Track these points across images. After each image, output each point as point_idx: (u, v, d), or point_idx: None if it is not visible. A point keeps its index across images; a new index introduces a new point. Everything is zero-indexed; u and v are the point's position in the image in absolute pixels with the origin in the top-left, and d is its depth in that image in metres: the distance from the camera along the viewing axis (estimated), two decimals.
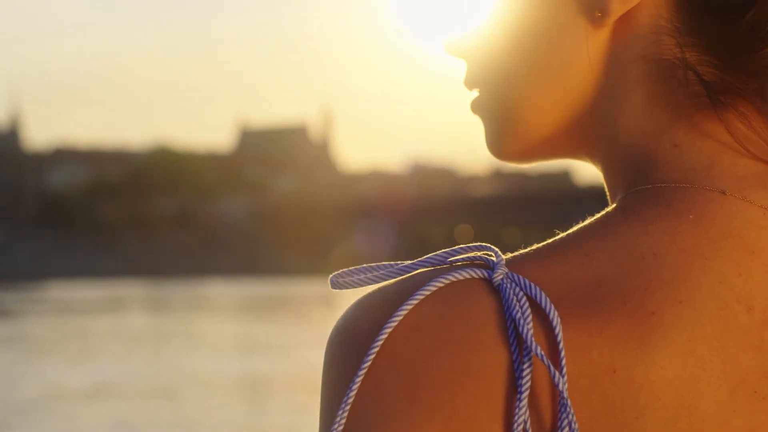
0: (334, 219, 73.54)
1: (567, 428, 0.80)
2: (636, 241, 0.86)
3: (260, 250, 70.11)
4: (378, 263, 0.90)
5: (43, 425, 15.12)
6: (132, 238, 73.10)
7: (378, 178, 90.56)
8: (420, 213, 71.88)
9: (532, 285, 0.83)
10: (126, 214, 78.37)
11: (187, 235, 74.41)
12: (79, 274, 58.29)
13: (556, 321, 0.81)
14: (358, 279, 0.89)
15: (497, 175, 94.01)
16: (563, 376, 0.80)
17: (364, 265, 0.90)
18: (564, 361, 0.80)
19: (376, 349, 0.82)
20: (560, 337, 0.81)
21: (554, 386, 0.81)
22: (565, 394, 0.80)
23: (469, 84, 1.01)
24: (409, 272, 0.87)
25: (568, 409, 0.80)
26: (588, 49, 0.92)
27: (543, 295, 0.82)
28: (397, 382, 0.82)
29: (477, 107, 1.01)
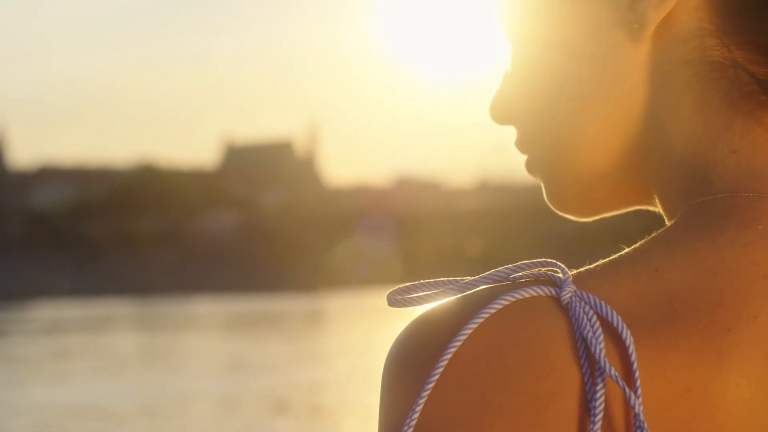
0: (321, 234, 73.36)
1: None
2: (706, 255, 0.83)
3: (247, 266, 69.87)
4: (437, 279, 0.86)
5: None
6: (118, 256, 72.85)
7: (364, 193, 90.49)
8: (407, 226, 71.71)
9: (602, 303, 0.80)
10: (111, 232, 78.11)
11: (173, 252, 74.15)
12: (64, 293, 58.00)
13: (629, 340, 0.78)
14: (418, 297, 0.86)
15: (483, 187, 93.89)
16: (638, 397, 0.77)
17: (423, 281, 0.86)
18: (638, 382, 0.77)
19: (441, 370, 0.79)
20: (634, 356, 0.78)
21: (629, 408, 0.78)
22: (641, 416, 0.77)
23: (524, 146, 0.99)
24: (472, 289, 0.84)
25: (644, 431, 0.77)
26: (632, 66, 0.89)
27: (614, 313, 0.79)
28: (463, 405, 0.78)
29: (532, 166, 0.99)
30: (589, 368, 0.78)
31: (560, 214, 1.00)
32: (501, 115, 0.99)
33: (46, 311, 45.92)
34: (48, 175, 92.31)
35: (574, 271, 0.84)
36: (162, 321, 39.41)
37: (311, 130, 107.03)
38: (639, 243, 0.86)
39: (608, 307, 0.79)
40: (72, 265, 68.96)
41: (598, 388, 0.77)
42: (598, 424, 0.77)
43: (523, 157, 1.00)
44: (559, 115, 0.93)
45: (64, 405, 18.04)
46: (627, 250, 0.86)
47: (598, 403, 0.77)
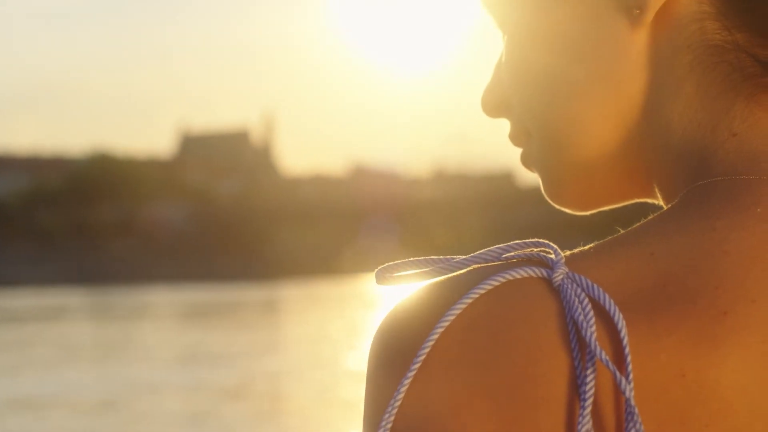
0: (277, 223, 73.23)
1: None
2: (703, 238, 0.81)
3: (203, 255, 69.67)
4: (428, 257, 0.84)
5: None
6: (72, 245, 72.41)
7: (321, 182, 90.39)
8: (362, 215, 71.69)
9: (595, 285, 0.78)
10: (66, 221, 77.61)
11: (128, 241, 73.79)
12: (18, 283, 57.63)
13: (621, 323, 0.77)
14: (407, 275, 0.84)
15: (439, 177, 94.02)
16: (629, 382, 0.75)
17: (412, 258, 0.85)
18: (630, 366, 0.76)
19: (427, 350, 0.77)
20: (626, 340, 0.76)
21: (619, 393, 0.77)
22: (632, 402, 0.75)
23: (517, 137, 0.97)
24: (462, 268, 0.82)
25: (635, 417, 0.75)
26: (631, 52, 0.88)
27: (606, 296, 0.78)
28: (449, 389, 0.77)
29: (528, 159, 0.98)
30: (580, 352, 0.77)
31: (558, 207, 0.99)
32: (494, 107, 0.98)
33: (0, 300, 45.59)
34: (1, 164, 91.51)
35: (568, 253, 0.83)
36: (118, 311, 39.25)
37: (267, 119, 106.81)
38: (634, 226, 0.85)
39: (600, 290, 0.78)
40: (27, 255, 68.51)
41: (589, 372, 0.76)
42: (588, 409, 0.75)
43: (518, 150, 0.98)
44: (556, 106, 0.91)
45: (18, 396, 17.93)
46: (622, 232, 0.84)
47: (588, 387, 0.76)
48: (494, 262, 0.82)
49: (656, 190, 0.92)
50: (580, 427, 0.75)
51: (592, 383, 0.75)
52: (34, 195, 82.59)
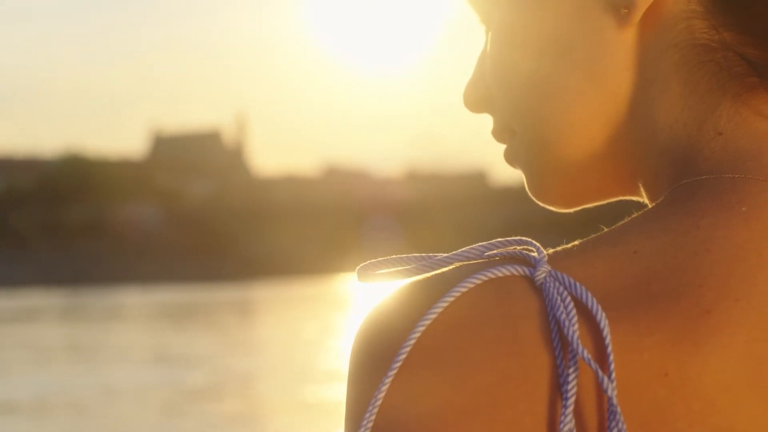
0: (249, 224, 73.11)
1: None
2: (687, 236, 0.81)
3: (175, 256, 69.50)
4: (410, 255, 0.83)
5: None
6: (44, 246, 72.11)
7: (293, 183, 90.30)
8: (335, 216, 71.67)
9: (577, 284, 0.78)
10: (37, 222, 77.29)
11: (100, 242, 73.56)
12: None
13: (604, 322, 0.76)
14: (390, 273, 0.84)
15: (412, 177, 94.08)
16: (612, 381, 0.75)
17: (395, 256, 0.84)
18: (612, 365, 0.75)
19: (407, 349, 0.77)
20: (608, 339, 0.76)
21: (602, 392, 0.76)
22: (615, 401, 0.75)
23: (499, 133, 0.96)
24: (444, 266, 0.82)
25: (617, 416, 0.75)
26: (618, 51, 0.87)
27: (589, 294, 0.77)
28: (431, 384, 0.76)
29: (511, 156, 0.97)
30: (562, 351, 0.76)
31: (542, 204, 0.98)
32: (476, 102, 0.96)
33: None
34: None
35: (551, 251, 0.82)
36: (89, 312, 39.08)
37: (239, 120, 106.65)
38: (618, 224, 0.84)
39: (583, 289, 0.77)
40: None
41: (571, 371, 0.75)
42: (570, 408, 0.75)
43: (502, 147, 0.97)
44: (542, 105, 0.90)
45: None
46: (606, 230, 0.84)
47: (570, 386, 0.75)
48: (476, 259, 0.81)
49: (641, 188, 0.91)
50: (562, 426, 0.74)
51: (574, 382, 0.75)
52: (6, 196, 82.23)
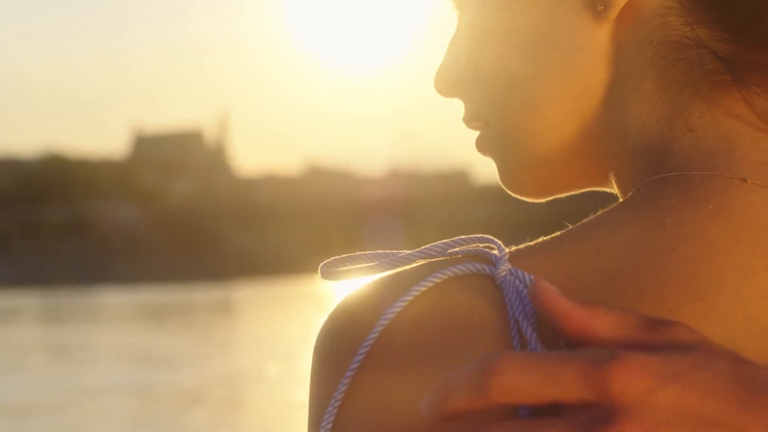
0: (231, 223, 72.86)
1: None
2: (652, 234, 0.80)
3: (157, 256, 69.20)
4: (374, 252, 0.84)
5: None
6: (24, 247, 71.73)
7: (275, 182, 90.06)
8: (318, 215, 71.49)
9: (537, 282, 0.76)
10: (18, 222, 76.89)
11: (80, 243, 73.17)
12: None
13: None
14: (353, 270, 0.84)
15: (393, 176, 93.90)
16: None
17: (359, 252, 0.84)
18: None
19: (367, 349, 0.77)
20: (565, 339, 0.74)
21: None
22: None
23: (471, 120, 0.95)
24: (407, 263, 0.82)
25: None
26: (594, 47, 0.86)
27: None
28: (392, 381, 0.77)
29: (483, 145, 0.96)
30: (522, 349, 0.75)
31: (513, 195, 0.97)
32: (448, 87, 0.95)
33: None
34: None
35: (513, 248, 0.82)
36: (70, 313, 38.81)
37: (221, 119, 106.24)
38: (583, 221, 0.83)
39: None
40: None
41: None
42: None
43: (475, 134, 0.96)
44: (516, 98, 0.89)
45: None
46: (570, 228, 0.83)
47: None
48: (439, 257, 0.81)
49: (613, 181, 0.91)
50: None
51: None
52: None
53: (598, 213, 0.84)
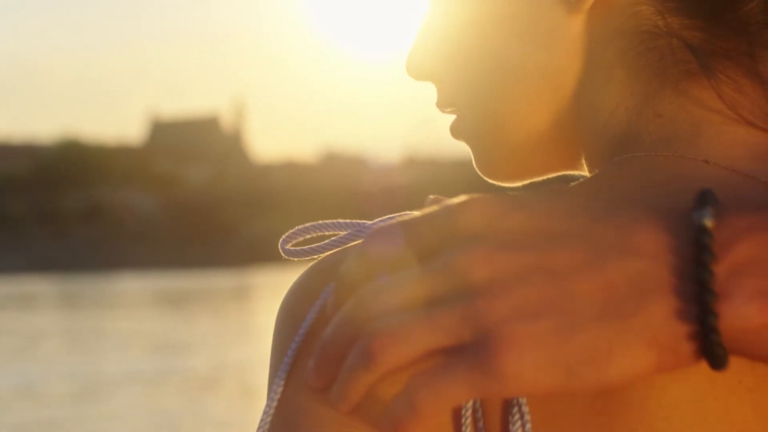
0: (247, 210, 72.77)
1: (518, 415, 0.74)
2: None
3: (173, 242, 69.14)
4: (338, 221, 0.84)
5: None
6: (40, 233, 71.72)
7: (291, 169, 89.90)
8: (333, 202, 71.33)
9: None
10: (34, 208, 76.91)
11: (97, 229, 73.16)
12: None
13: None
14: (311, 248, 0.84)
15: (410, 163, 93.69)
16: None
17: (321, 221, 0.85)
18: None
19: (313, 317, 0.77)
20: None
21: None
22: None
23: (444, 105, 0.96)
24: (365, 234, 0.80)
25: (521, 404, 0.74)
26: (567, 38, 0.87)
27: None
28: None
29: (458, 131, 0.96)
30: None
31: (488, 180, 0.98)
32: (420, 72, 0.96)
33: None
34: None
35: None
36: (86, 299, 38.77)
37: (238, 105, 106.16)
38: (538, 193, 0.80)
39: None
40: None
41: None
42: None
43: (451, 119, 0.97)
44: (490, 87, 0.90)
45: None
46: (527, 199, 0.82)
47: None
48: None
49: (585, 166, 0.93)
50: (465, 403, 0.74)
51: None
52: (2, 182, 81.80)
53: (555, 186, 0.85)
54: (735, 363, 0.70)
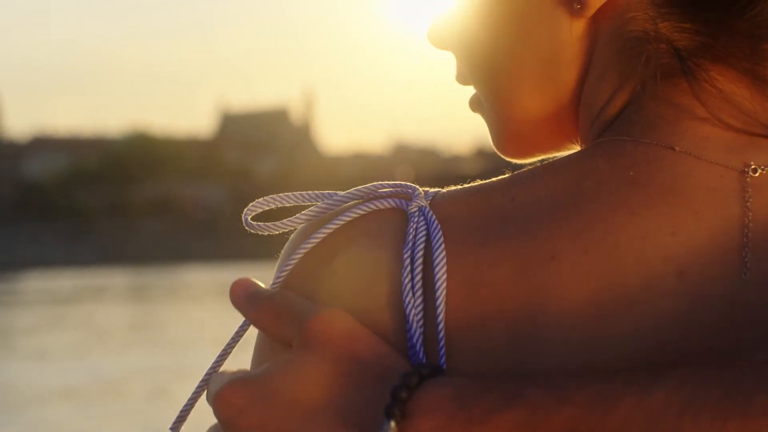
0: None
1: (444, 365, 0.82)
2: (563, 191, 0.86)
3: (241, 235, 68.74)
4: (309, 192, 0.98)
5: (15, 428, 13.91)
6: (110, 225, 71.76)
7: (361, 160, 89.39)
8: None
9: (434, 220, 0.86)
10: (104, 201, 77.01)
11: (166, 221, 73.08)
12: (56, 264, 57.00)
13: (439, 259, 0.84)
14: (289, 221, 1.00)
15: (480, 154, 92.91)
16: (439, 314, 0.82)
17: (290, 193, 0.99)
18: (441, 294, 0.83)
19: (286, 273, 0.95)
20: (439, 271, 0.83)
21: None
22: (442, 326, 0.83)
23: (460, 80, 1.03)
24: (345, 202, 0.93)
25: (442, 344, 0.82)
26: (569, 40, 0.93)
27: (437, 231, 0.85)
28: (303, 293, 0.91)
29: (475, 106, 1.03)
30: (412, 278, 0.85)
31: (501, 155, 1.04)
32: (437, 39, 1.02)
33: (37, 282, 44.94)
34: (41, 144, 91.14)
35: (445, 190, 0.91)
36: (155, 291, 38.43)
37: (307, 97, 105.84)
38: (518, 172, 0.91)
39: (435, 224, 0.85)
40: (64, 235, 67.91)
41: (408, 298, 0.84)
42: (417, 331, 0.83)
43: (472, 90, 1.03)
44: (498, 78, 0.96)
45: (57, 379, 17.07)
46: (499, 177, 0.92)
47: (416, 311, 0.84)
48: (370, 196, 0.92)
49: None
50: (409, 336, 0.84)
51: (420, 308, 0.84)
52: (72, 175, 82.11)
53: (534, 166, 0.92)
54: (672, 343, 0.79)
